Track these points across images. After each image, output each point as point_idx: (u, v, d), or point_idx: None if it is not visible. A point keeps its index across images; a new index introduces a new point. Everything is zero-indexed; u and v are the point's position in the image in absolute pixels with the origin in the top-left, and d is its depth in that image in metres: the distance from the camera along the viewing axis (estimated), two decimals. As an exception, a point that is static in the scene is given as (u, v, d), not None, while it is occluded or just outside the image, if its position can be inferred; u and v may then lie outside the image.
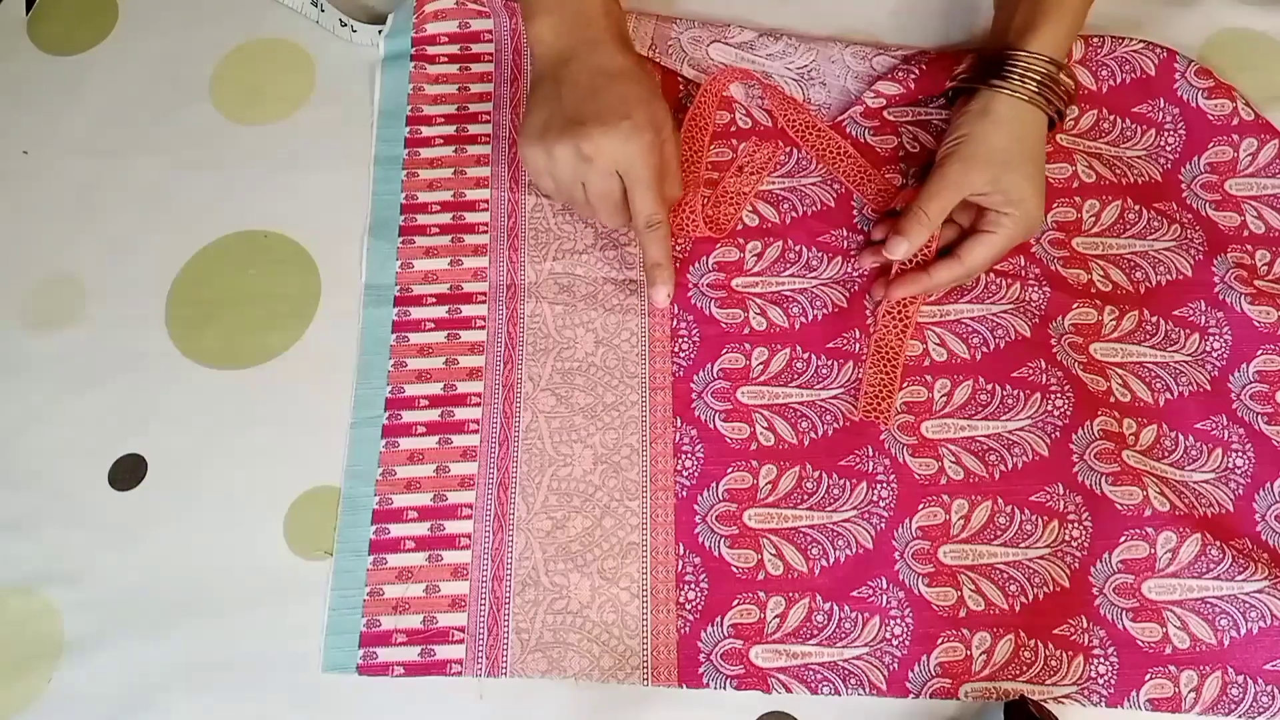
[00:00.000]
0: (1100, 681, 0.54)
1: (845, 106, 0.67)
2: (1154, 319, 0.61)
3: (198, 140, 0.69)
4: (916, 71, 0.66)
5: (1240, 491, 0.57)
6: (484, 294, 0.63)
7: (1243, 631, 0.54)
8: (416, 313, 0.63)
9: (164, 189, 0.67)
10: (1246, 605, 0.54)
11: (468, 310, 0.63)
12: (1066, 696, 0.54)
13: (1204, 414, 0.59)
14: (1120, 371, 0.60)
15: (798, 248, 0.64)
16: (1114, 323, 0.61)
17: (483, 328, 0.63)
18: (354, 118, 0.69)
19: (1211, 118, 0.66)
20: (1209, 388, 0.60)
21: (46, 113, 0.70)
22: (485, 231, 0.65)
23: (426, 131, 0.68)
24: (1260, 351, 0.60)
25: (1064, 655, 0.54)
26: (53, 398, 0.62)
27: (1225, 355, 0.60)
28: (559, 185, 0.59)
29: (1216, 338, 0.61)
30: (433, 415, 0.61)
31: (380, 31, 0.70)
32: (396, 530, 0.58)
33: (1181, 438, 0.59)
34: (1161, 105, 0.67)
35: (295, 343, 0.63)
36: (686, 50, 0.69)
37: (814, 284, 0.63)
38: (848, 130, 0.67)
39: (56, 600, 0.57)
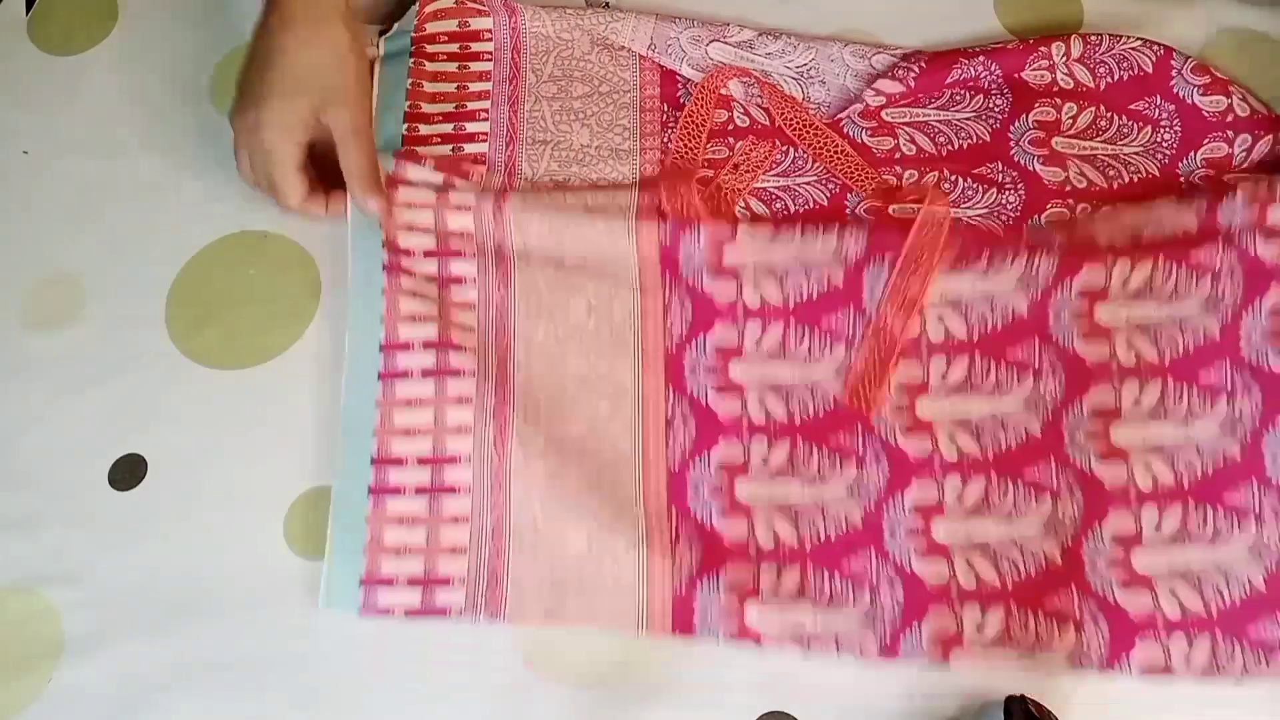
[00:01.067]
0: (1091, 650, 0.54)
1: (845, 105, 0.67)
2: (1167, 265, 0.59)
3: (198, 140, 0.69)
4: (916, 70, 0.66)
5: (1248, 439, 0.57)
6: (472, 253, 0.63)
7: (1228, 600, 0.55)
8: (407, 263, 0.62)
9: (164, 189, 0.67)
10: (1229, 574, 0.55)
11: (457, 267, 0.63)
12: (1057, 666, 0.55)
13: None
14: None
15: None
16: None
17: (472, 283, 0.62)
18: (353, 117, 0.69)
19: (1207, 114, 0.66)
20: (1217, 338, 0.58)
21: (46, 113, 0.70)
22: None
23: (424, 129, 0.68)
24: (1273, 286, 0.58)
25: (1054, 626, 0.55)
26: (53, 398, 0.62)
27: (1239, 296, 0.58)
28: None
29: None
30: (428, 361, 0.60)
31: (381, 33, 0.70)
32: (396, 477, 0.58)
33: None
34: (1158, 102, 0.67)
35: (295, 343, 0.63)
36: (686, 50, 0.69)
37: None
38: (846, 130, 0.67)
39: (56, 600, 0.57)
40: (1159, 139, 0.66)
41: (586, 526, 0.57)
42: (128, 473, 0.60)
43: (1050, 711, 0.51)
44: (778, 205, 0.65)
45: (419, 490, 0.58)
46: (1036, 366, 0.59)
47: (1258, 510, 0.56)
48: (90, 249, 0.66)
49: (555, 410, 0.60)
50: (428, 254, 0.63)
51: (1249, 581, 0.55)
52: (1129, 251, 0.60)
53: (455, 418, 0.59)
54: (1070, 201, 0.64)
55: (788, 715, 0.54)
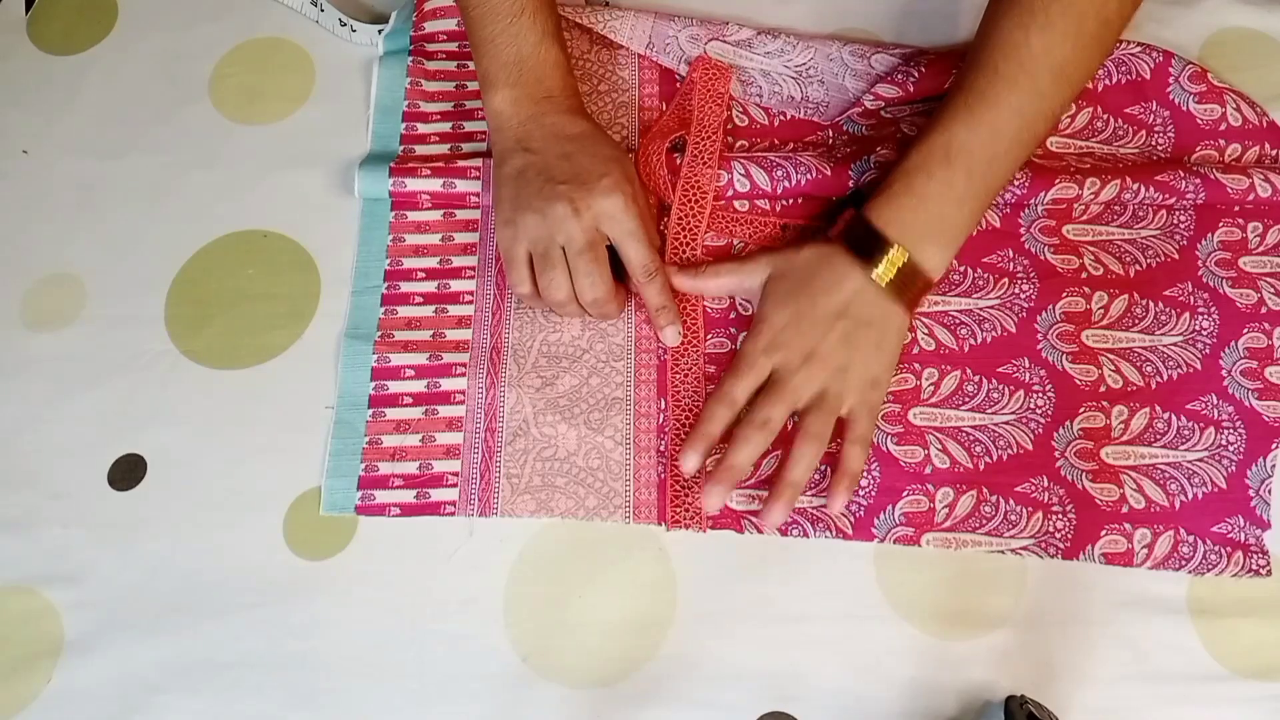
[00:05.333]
0: (1057, 536, 0.57)
1: (843, 108, 0.67)
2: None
3: (197, 140, 0.69)
4: (915, 75, 0.66)
5: (1208, 352, 0.60)
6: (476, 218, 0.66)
7: (1190, 495, 0.58)
8: (412, 184, 0.65)
9: (163, 188, 0.68)
10: (1191, 472, 0.58)
11: (461, 206, 0.66)
12: (1024, 549, 0.57)
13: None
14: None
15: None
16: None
17: (476, 205, 0.65)
18: (353, 117, 0.69)
19: (1200, 122, 0.67)
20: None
21: (46, 112, 0.70)
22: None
23: (422, 128, 0.68)
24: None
25: (1024, 510, 0.57)
26: (53, 398, 0.62)
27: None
28: (537, 250, 0.58)
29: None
30: (429, 286, 0.63)
31: (380, 31, 0.70)
32: (395, 386, 0.61)
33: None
34: (1154, 108, 0.67)
35: (295, 343, 0.63)
36: (684, 48, 0.69)
37: None
38: (845, 129, 0.67)
39: (56, 600, 0.57)
40: (1153, 143, 0.66)
41: (576, 428, 0.60)
42: (128, 473, 0.60)
43: (1051, 712, 0.52)
44: (778, 173, 0.64)
45: (416, 399, 0.61)
46: (1011, 271, 0.62)
47: (1217, 418, 0.59)
48: (90, 249, 0.66)
49: (551, 314, 0.62)
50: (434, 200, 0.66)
51: (1211, 481, 0.58)
52: (1097, 173, 0.64)
53: (454, 335, 0.62)
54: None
55: (788, 715, 0.54)
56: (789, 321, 0.57)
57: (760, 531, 0.57)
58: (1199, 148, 0.66)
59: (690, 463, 0.57)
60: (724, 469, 0.56)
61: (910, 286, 0.57)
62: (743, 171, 0.64)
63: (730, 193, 0.64)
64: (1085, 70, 0.58)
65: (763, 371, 0.57)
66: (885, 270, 0.57)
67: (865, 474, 0.58)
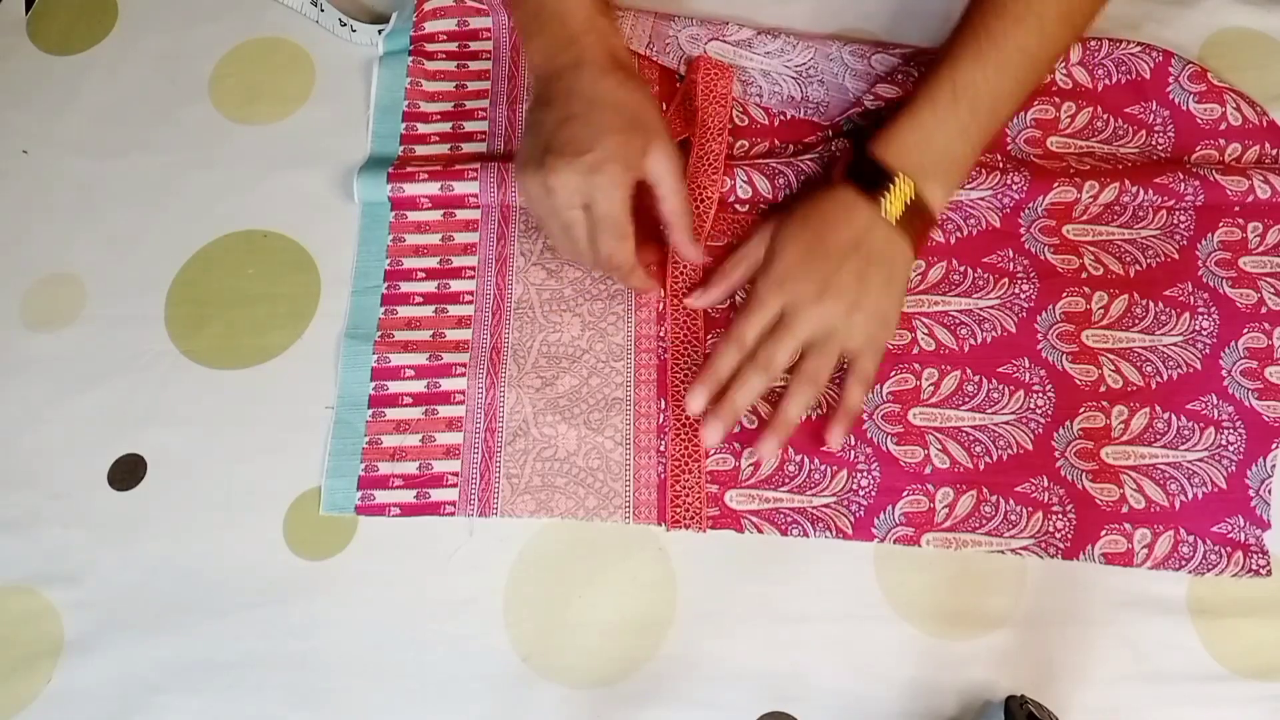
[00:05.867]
0: (1057, 536, 0.57)
1: (844, 108, 0.67)
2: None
3: (197, 139, 0.69)
4: (915, 75, 0.66)
5: (1208, 352, 0.60)
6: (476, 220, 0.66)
7: (1190, 495, 0.58)
8: (410, 188, 0.65)
9: (163, 188, 0.68)
10: (1191, 472, 0.58)
11: (460, 210, 0.65)
12: (1024, 549, 0.57)
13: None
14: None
15: None
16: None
17: (476, 206, 0.65)
18: (353, 117, 0.69)
19: (1200, 121, 0.67)
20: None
21: (46, 112, 0.70)
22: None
23: (423, 128, 0.68)
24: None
25: (1024, 510, 0.57)
26: (53, 398, 0.62)
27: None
28: (536, 216, 0.59)
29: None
30: (429, 286, 0.63)
31: (380, 31, 0.70)
32: (395, 386, 0.61)
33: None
34: (1154, 108, 0.67)
35: (295, 343, 0.63)
36: (684, 49, 0.69)
37: None
38: (844, 129, 0.67)
39: (56, 600, 0.57)
40: (1153, 143, 0.67)
41: (576, 428, 0.60)
42: (128, 473, 0.60)
43: (1051, 712, 0.52)
44: (780, 182, 0.64)
45: (416, 399, 0.61)
46: (1011, 271, 0.63)
47: (1217, 418, 0.59)
48: (90, 249, 0.66)
49: (550, 314, 0.62)
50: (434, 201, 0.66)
51: (1211, 481, 0.58)
52: (1096, 175, 0.64)
53: (453, 335, 0.62)
54: (1077, 180, 0.64)
55: (788, 715, 0.54)
56: (800, 258, 0.57)
57: (760, 531, 0.57)
58: (1199, 147, 0.66)
59: (695, 402, 0.57)
60: (723, 406, 0.56)
61: (916, 220, 0.57)
62: (745, 179, 0.64)
63: (732, 199, 0.64)
64: (1088, 14, 0.59)
65: (773, 309, 0.56)
66: (894, 204, 0.56)
67: (865, 474, 0.58)
